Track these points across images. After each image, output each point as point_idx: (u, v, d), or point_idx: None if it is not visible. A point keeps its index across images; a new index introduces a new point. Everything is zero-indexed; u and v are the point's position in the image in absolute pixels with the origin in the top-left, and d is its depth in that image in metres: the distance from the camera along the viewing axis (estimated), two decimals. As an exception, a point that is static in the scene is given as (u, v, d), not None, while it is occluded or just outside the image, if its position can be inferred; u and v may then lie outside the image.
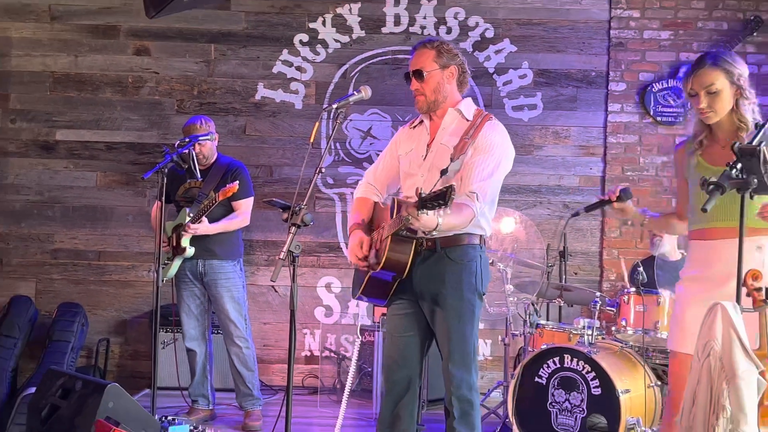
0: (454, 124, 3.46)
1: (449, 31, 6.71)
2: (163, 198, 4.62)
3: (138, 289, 6.66)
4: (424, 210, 2.86)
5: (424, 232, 3.13)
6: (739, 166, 2.66)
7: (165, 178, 4.58)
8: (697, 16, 6.68)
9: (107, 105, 6.73)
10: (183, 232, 5.11)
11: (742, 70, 3.22)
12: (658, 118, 6.61)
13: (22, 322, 6.37)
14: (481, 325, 6.54)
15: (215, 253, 5.23)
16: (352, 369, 3.60)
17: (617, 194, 3.39)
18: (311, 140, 3.47)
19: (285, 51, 6.72)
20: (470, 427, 3.36)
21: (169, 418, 4.78)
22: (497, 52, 6.73)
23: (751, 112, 3.19)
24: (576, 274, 6.66)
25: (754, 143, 2.71)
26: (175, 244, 5.20)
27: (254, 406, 5.31)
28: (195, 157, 4.89)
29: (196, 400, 5.39)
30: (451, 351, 3.35)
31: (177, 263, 5.21)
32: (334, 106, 3.41)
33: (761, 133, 2.78)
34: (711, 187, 2.66)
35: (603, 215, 6.68)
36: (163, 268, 5.21)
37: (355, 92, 3.48)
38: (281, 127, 6.72)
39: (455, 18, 6.73)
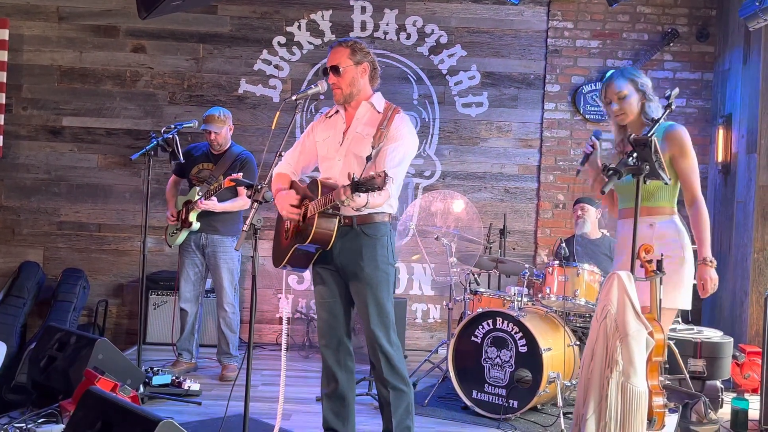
0: (367, 115, 3.46)
1: (408, 36, 6.67)
2: (149, 178, 4.59)
3: (133, 257, 6.60)
4: (358, 192, 2.88)
5: (356, 210, 3.14)
6: (635, 155, 2.67)
7: (151, 160, 4.58)
8: (622, 28, 6.68)
9: (107, 96, 6.63)
10: (193, 208, 5.12)
11: (645, 80, 3.32)
12: (587, 116, 6.63)
13: (30, 285, 6.30)
14: (431, 292, 6.62)
15: (218, 229, 5.24)
16: (284, 328, 3.57)
17: (593, 140, 3.38)
18: (273, 127, 3.41)
19: (265, 51, 6.65)
20: (397, 374, 3.37)
21: (155, 369, 4.76)
22: (450, 56, 6.69)
23: (655, 112, 3.24)
24: (514, 249, 6.68)
25: (648, 135, 2.71)
26: (183, 217, 5.20)
27: (231, 361, 5.31)
28: (178, 142, 4.84)
29: (182, 354, 5.36)
30: (370, 314, 3.35)
31: (184, 234, 5.24)
32: (293, 97, 3.38)
33: (655, 127, 2.80)
34: (609, 172, 2.67)
35: (538, 200, 6.70)
36: (170, 236, 5.24)
37: (312, 86, 3.43)
38: (260, 118, 6.65)
39: (414, 25, 6.68)
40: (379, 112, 3.45)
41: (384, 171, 2.87)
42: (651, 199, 3.14)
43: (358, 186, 2.89)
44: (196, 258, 5.31)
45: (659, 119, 2.85)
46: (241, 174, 4.96)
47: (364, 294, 3.35)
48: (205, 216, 5.19)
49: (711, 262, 3.21)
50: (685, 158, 3.19)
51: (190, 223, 5.16)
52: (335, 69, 3.41)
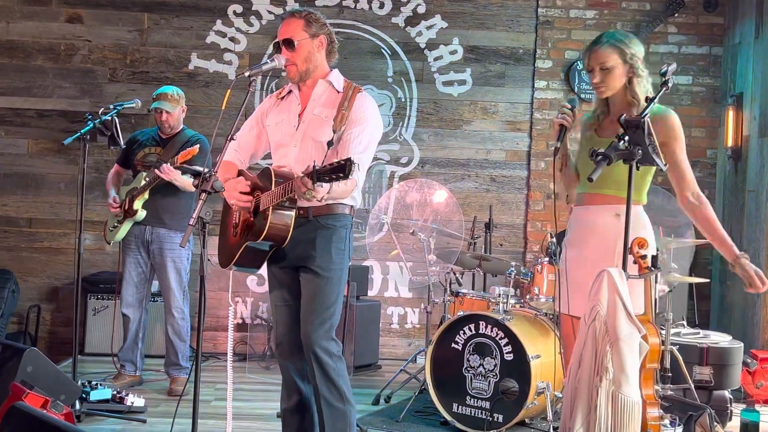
0: (325, 95, 3.47)
1: (381, 5, 6.67)
2: (86, 165, 4.58)
3: (69, 256, 6.54)
4: (320, 182, 2.88)
5: (319, 201, 3.15)
6: (626, 138, 2.70)
7: (87, 145, 4.56)
8: (622, -4, 6.74)
9: (39, 72, 6.57)
10: (138, 195, 5.10)
11: (636, 50, 3.28)
12: (582, 96, 6.65)
13: (-49, 288, 6.23)
14: (408, 294, 6.64)
15: (164, 222, 5.23)
16: (230, 334, 3.57)
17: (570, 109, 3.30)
18: (223, 107, 3.41)
19: (219, 21, 6.63)
20: (332, 386, 3.37)
21: (93, 383, 4.74)
22: (429, 27, 6.71)
23: (644, 90, 3.25)
24: (501, 245, 6.72)
25: (641, 115, 2.75)
26: (127, 207, 5.19)
27: (180, 374, 5.31)
28: (118, 125, 4.82)
29: (124, 366, 5.36)
30: (312, 311, 3.35)
31: (127, 226, 5.22)
32: (247, 73, 3.36)
33: (649, 107, 2.83)
34: (599, 157, 2.70)
35: (528, 189, 6.74)
36: (110, 231, 5.21)
37: (268, 60, 3.42)
38: (214, 98, 6.63)
39: (388, -8, 6.69)
40: (338, 92, 3.46)
41: (349, 157, 2.88)
42: (619, 188, 3.16)
43: (320, 175, 2.90)
44: (139, 256, 5.30)
45: (654, 98, 2.88)
46: (198, 148, 4.92)
47: (311, 287, 3.36)
48: (150, 206, 5.16)
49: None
50: (680, 145, 3.20)
51: (135, 212, 5.15)
52: (288, 43, 3.41)
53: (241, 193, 3.35)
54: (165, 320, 5.34)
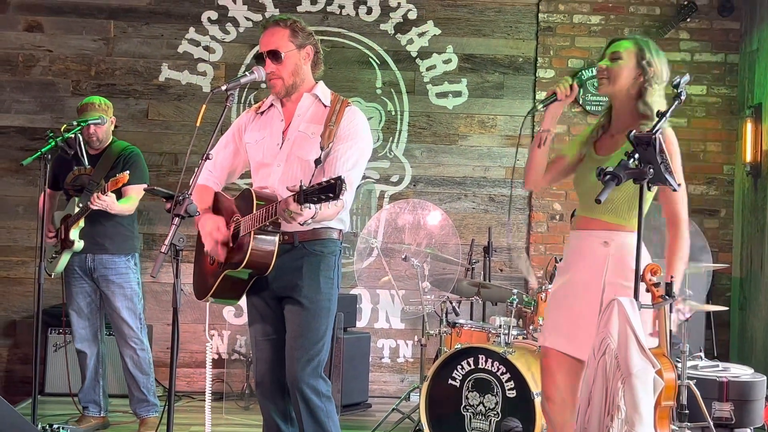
0: (311, 109, 3.51)
1: (369, 11, 6.71)
2: (46, 186, 4.56)
3: (28, 287, 6.52)
4: (307, 203, 2.90)
5: (302, 224, 3.17)
6: (636, 156, 2.72)
7: (48, 165, 4.55)
8: (629, 0, 6.79)
9: (-5, 86, 6.60)
10: (73, 224, 5.05)
11: (657, 60, 3.32)
12: (588, 108, 6.71)
13: None
14: (400, 325, 6.64)
15: (105, 247, 5.19)
16: (207, 370, 3.57)
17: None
18: (198, 124, 3.42)
19: (192, 29, 6.65)
20: (321, 430, 3.38)
21: (54, 426, 4.72)
22: (420, 34, 6.75)
23: (657, 104, 3.27)
24: (501, 270, 6.73)
25: (653, 131, 2.77)
26: (63, 236, 5.14)
27: (149, 413, 5.27)
28: (82, 143, 4.82)
29: (87, 407, 5.33)
30: (299, 347, 3.37)
31: (66, 257, 5.16)
32: (224, 87, 3.39)
33: (662, 121, 2.86)
34: (607, 177, 2.72)
35: (530, 210, 6.77)
36: (50, 262, 5.16)
37: (246, 73, 3.46)
38: (187, 112, 6.65)
39: (376, -3, 6.75)
40: (326, 106, 3.50)
41: (339, 176, 2.90)
42: (607, 212, 3.23)
43: (307, 195, 2.91)
44: (85, 284, 5.26)
45: (666, 112, 2.91)
46: (128, 175, 4.89)
47: (297, 320, 3.38)
48: (89, 233, 5.10)
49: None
50: (674, 163, 3.13)
51: (72, 242, 5.08)
52: (275, 54, 3.44)
53: (218, 243, 3.36)
54: (121, 354, 5.27)
